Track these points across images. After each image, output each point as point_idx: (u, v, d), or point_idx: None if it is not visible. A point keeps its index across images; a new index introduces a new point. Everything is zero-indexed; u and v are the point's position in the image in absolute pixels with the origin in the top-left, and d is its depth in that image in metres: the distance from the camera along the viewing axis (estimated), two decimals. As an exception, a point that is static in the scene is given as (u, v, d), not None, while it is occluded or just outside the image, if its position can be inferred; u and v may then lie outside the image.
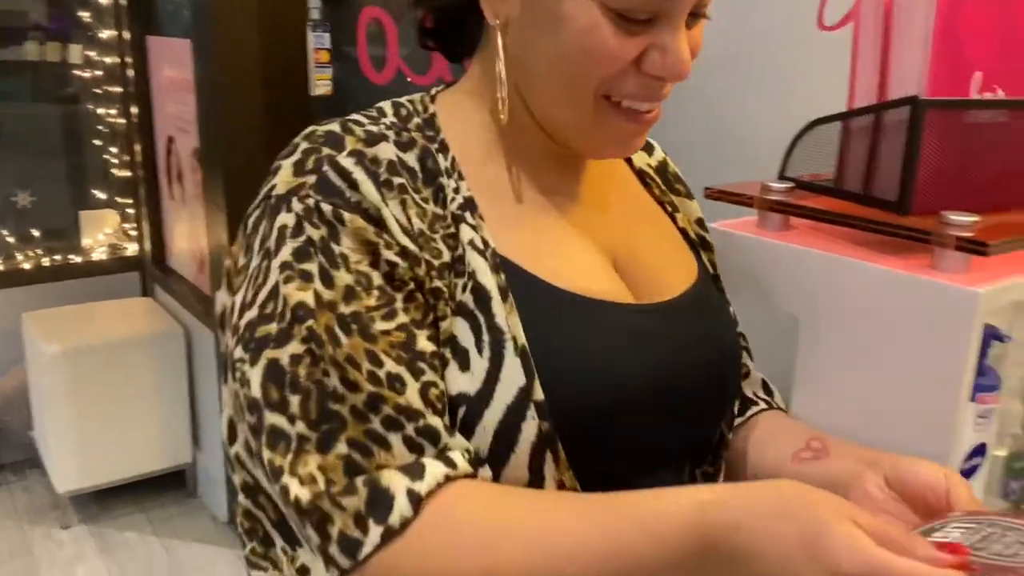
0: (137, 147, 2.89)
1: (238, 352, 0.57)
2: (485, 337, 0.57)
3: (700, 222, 0.78)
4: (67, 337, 2.52)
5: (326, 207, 0.56)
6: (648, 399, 0.61)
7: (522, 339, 0.57)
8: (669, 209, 0.75)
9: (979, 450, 0.78)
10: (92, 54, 2.87)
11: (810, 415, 0.83)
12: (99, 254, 2.99)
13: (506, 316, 0.58)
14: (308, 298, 0.55)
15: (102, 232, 3.01)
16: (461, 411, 0.57)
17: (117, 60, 2.87)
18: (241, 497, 0.63)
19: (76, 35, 2.87)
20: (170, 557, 2.48)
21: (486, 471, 0.57)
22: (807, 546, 0.46)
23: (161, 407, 2.65)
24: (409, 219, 0.58)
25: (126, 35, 2.81)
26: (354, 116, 0.63)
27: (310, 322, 0.54)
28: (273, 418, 0.54)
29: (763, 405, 0.79)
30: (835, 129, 0.85)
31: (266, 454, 0.54)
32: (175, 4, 2.55)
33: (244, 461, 0.61)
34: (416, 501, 0.52)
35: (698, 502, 0.50)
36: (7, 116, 2.85)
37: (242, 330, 0.57)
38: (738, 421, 0.77)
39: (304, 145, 0.60)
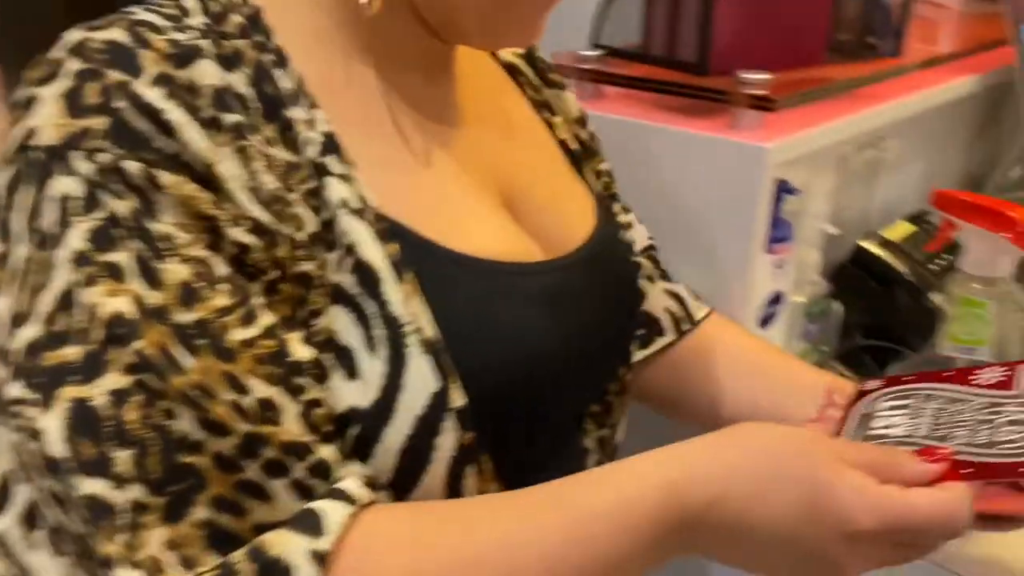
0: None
1: (16, 390, 0.39)
2: (377, 331, 0.43)
3: (581, 121, 0.67)
4: None
5: (131, 166, 0.39)
6: (567, 372, 0.51)
7: (430, 330, 0.44)
8: (546, 114, 0.63)
9: (776, 298, 0.84)
10: None
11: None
12: None
13: (404, 301, 0.44)
14: (126, 306, 0.38)
15: None
16: (354, 431, 0.43)
17: None
18: None
19: None
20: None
21: (384, 499, 0.44)
22: (812, 510, 0.40)
23: None
24: (255, 176, 0.42)
25: None
26: (143, 14, 0.44)
27: (136, 343, 0.38)
28: (90, 485, 0.37)
29: (670, 336, 0.68)
30: (639, -7, 0.85)
31: (86, 535, 0.38)
32: None
33: (9, 543, 0.42)
34: (322, 562, 0.38)
35: (670, 481, 0.42)
36: None
37: (19, 356, 0.39)
38: (642, 354, 0.67)
39: (74, 64, 0.41)
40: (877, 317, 0.96)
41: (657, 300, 0.69)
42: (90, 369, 0.38)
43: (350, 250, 0.43)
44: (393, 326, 0.43)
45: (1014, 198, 0.80)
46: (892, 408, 0.51)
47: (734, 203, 0.77)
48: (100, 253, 0.39)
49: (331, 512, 0.39)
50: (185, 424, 0.38)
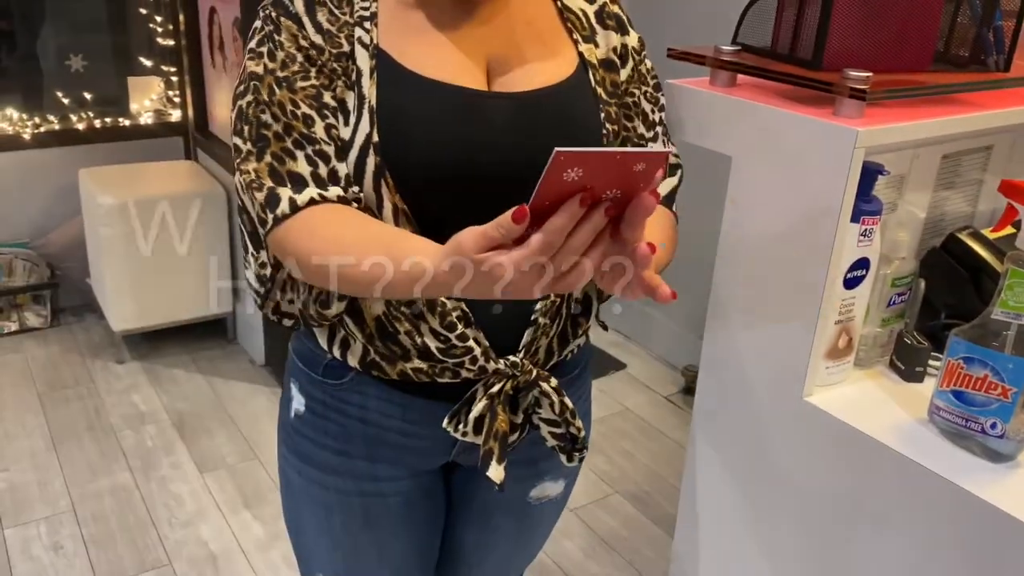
0: (181, 17, 3.05)
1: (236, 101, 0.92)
2: (357, 103, 0.85)
3: (618, 49, 0.96)
4: (121, 191, 2.77)
5: (273, 13, 0.87)
6: (462, 158, 0.85)
7: (373, 103, 0.85)
8: (575, 36, 0.95)
9: (861, 263, 0.99)
10: (138, -76, 3.01)
11: (733, 230, 1.04)
12: (146, 119, 3.21)
13: (369, 88, 0.85)
14: (259, 69, 0.86)
15: (148, 98, 3.22)
16: (344, 148, 0.87)
17: (161, -69, 3.00)
18: (238, 220, 0.95)
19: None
20: (213, 391, 2.80)
21: (354, 188, 0.86)
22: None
23: (204, 260, 2.91)
24: (321, 24, 0.86)
25: (170, -94, 2.93)
26: None
27: (255, 82, 0.86)
28: (235, 139, 0.87)
29: None
30: (774, 1, 1.02)
31: (233, 161, 0.88)
32: None
33: (238, 188, 0.89)
34: (292, 204, 0.83)
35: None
36: (60, -17, 3.03)
37: (234, 91, 0.90)
38: None
39: None
40: (960, 300, 1.08)
41: None
42: (243, 94, 0.87)
43: (354, 61, 0.86)
44: (362, 100, 0.85)
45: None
46: None
47: (829, 176, 0.93)
48: (257, 47, 0.87)
49: (310, 191, 0.83)
50: (268, 117, 0.85)
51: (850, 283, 1.00)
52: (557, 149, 0.58)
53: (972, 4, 1.01)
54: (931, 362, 1.06)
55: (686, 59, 1.08)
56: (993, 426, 0.89)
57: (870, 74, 0.91)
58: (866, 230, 0.97)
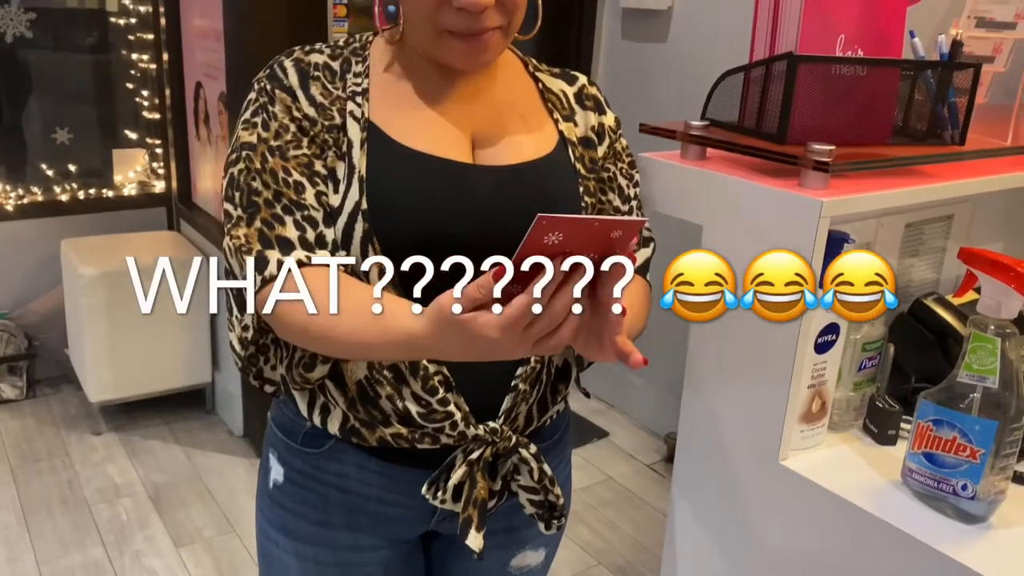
0: (167, 91, 3.11)
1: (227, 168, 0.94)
2: (347, 171, 0.88)
3: (596, 128, 1.00)
4: (102, 262, 2.77)
5: (268, 86, 0.90)
6: (446, 227, 0.88)
7: (363, 172, 0.88)
8: (555, 116, 0.99)
9: (831, 328, 1.02)
10: (127, 2, 3.10)
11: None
12: (130, 190, 3.24)
13: (359, 159, 0.88)
14: (252, 138, 0.89)
15: (132, 170, 3.26)
16: (332, 215, 0.89)
17: (150, 8, 3.09)
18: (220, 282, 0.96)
19: (113, -16, 3.08)
20: (191, 463, 2.76)
21: (341, 253, 0.88)
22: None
23: (184, 330, 2.91)
24: (314, 97, 0.90)
25: (159, -14, 3.02)
26: (316, 45, 0.96)
27: (248, 151, 0.88)
28: (226, 205, 0.89)
29: None
30: (740, 79, 1.07)
31: (223, 224, 0.90)
32: (206, -41, 2.75)
33: (226, 251, 0.91)
34: (280, 267, 0.84)
35: (411, 329, 0.76)
36: (48, 60, 3.08)
37: (226, 159, 0.93)
38: None
39: (276, 57, 0.94)
40: (929, 363, 1.11)
41: None
42: (235, 162, 0.88)
43: (346, 133, 0.89)
44: (352, 170, 0.88)
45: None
46: None
47: (797, 244, 0.96)
48: (251, 117, 0.89)
49: (298, 254, 0.84)
50: (259, 185, 0.86)
51: (821, 348, 1.02)
52: (540, 214, 0.61)
53: (927, 82, 1.06)
54: (903, 425, 1.08)
55: (657, 134, 1.13)
56: (964, 487, 0.91)
57: (833, 147, 0.95)
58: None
